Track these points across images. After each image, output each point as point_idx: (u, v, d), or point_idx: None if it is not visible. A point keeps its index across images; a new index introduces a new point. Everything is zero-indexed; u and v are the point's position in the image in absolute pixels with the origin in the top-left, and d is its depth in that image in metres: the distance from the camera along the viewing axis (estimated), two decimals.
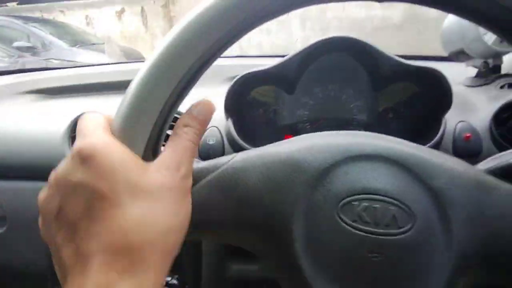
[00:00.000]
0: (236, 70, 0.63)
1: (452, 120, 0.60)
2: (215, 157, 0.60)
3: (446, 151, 0.59)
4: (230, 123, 0.58)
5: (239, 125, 0.61)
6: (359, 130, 0.63)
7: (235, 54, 0.96)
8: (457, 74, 0.73)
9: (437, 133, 0.55)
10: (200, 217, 0.26)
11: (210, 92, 0.68)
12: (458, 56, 0.69)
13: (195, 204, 0.26)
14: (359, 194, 0.25)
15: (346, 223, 0.25)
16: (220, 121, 0.62)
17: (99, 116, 0.25)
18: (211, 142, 0.60)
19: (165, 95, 0.24)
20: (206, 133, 0.61)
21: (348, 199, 0.25)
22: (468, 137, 0.58)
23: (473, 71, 0.70)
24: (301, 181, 0.26)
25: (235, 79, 0.56)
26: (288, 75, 0.56)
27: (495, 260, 0.26)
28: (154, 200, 0.23)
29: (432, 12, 0.30)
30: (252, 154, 0.28)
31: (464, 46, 0.63)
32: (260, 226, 0.26)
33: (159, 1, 5.36)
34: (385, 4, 0.28)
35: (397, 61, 0.54)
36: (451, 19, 0.66)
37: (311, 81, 0.62)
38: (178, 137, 0.26)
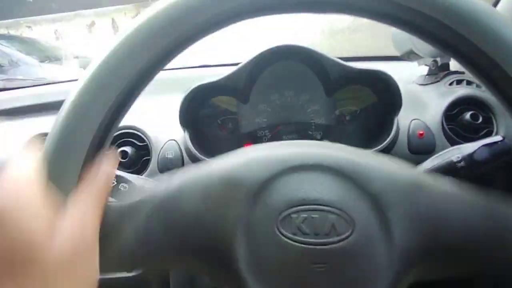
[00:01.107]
0: (196, 80, 0.62)
1: (406, 119, 0.62)
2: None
3: (402, 149, 0.60)
4: (187, 136, 0.58)
5: (198, 137, 0.61)
6: (318, 134, 0.64)
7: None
8: (411, 74, 0.75)
9: (390, 133, 0.56)
10: (142, 252, 0.26)
11: (168, 104, 0.67)
12: (409, 56, 0.70)
13: (136, 240, 0.26)
14: (297, 206, 0.25)
15: (286, 236, 0.25)
16: (178, 134, 0.61)
17: (28, 161, 0.24)
18: (169, 156, 0.59)
19: (99, 117, 0.24)
20: (164, 147, 0.60)
21: (287, 212, 0.25)
22: (421, 134, 0.60)
23: (425, 70, 0.72)
24: (239, 198, 0.26)
25: (185, 93, 0.55)
26: (238, 85, 0.56)
27: (436, 257, 0.26)
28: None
29: None
30: (187, 177, 0.27)
31: (412, 46, 0.65)
32: (203, 249, 0.26)
33: (130, 13, 5.30)
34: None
35: (343, 65, 0.56)
36: None
37: (266, 89, 0.62)
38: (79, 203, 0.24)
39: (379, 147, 0.57)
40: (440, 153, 0.43)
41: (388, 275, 0.25)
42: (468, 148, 0.41)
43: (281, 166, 0.26)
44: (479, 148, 0.40)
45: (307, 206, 0.25)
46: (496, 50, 0.24)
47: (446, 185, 0.27)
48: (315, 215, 0.25)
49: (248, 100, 0.61)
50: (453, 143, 0.60)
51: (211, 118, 0.64)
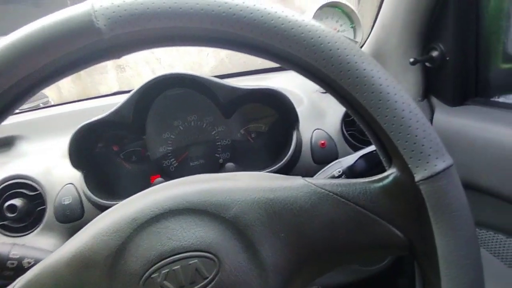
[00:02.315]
0: (94, 114, 0.58)
1: (308, 129, 0.63)
2: (73, 218, 0.55)
3: (307, 160, 0.61)
4: (81, 177, 0.54)
5: (98, 176, 0.57)
6: (225, 155, 0.63)
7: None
8: None
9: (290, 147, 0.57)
10: None
11: (63, 145, 0.62)
12: None
13: None
14: (155, 264, 0.24)
15: None
16: (76, 177, 0.57)
17: None
18: (66, 202, 0.55)
19: None
20: (60, 193, 0.56)
21: (147, 274, 0.23)
22: (323, 143, 0.61)
23: None
24: (96, 276, 0.23)
25: (72, 134, 0.52)
26: (127, 120, 0.53)
27: (310, 262, 0.26)
28: None
29: None
30: (34, 273, 0.24)
31: None
32: None
33: None
34: None
35: (231, 87, 0.55)
36: None
37: (165, 117, 0.60)
38: None
39: (283, 161, 0.57)
40: (324, 168, 0.44)
41: None
42: (348, 160, 0.42)
43: (130, 228, 0.24)
44: (357, 160, 0.42)
45: (166, 260, 0.24)
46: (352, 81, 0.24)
47: (302, 189, 0.26)
48: (176, 266, 0.24)
49: (145, 132, 0.59)
50: (354, 148, 0.63)
51: (111, 154, 0.61)
